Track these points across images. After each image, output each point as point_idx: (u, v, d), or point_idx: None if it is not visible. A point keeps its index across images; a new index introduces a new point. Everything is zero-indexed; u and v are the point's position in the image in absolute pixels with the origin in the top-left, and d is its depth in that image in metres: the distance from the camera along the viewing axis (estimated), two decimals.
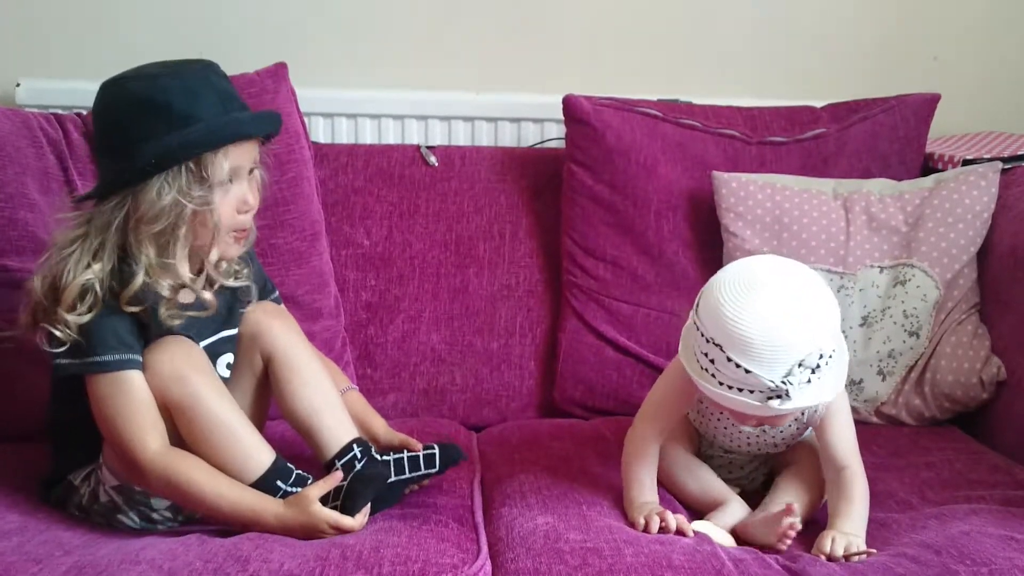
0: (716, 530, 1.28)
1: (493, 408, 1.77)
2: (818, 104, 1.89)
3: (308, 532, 1.21)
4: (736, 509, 1.32)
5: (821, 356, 1.17)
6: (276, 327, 1.33)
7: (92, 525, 1.28)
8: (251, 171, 1.30)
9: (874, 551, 1.21)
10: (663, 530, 1.24)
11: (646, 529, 1.25)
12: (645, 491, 1.31)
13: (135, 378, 1.22)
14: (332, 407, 1.32)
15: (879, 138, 1.85)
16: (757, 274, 1.20)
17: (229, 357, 1.34)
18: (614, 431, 1.59)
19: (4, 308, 1.53)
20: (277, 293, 1.49)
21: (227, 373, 1.34)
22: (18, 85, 1.91)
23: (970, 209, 1.72)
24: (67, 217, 1.28)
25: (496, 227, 1.82)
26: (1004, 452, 1.54)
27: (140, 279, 1.22)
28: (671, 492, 1.38)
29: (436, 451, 1.34)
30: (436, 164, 1.85)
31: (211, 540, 1.18)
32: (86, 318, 1.21)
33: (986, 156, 1.82)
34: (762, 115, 1.85)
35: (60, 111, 1.77)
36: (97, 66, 1.90)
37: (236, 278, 1.34)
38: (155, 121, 1.20)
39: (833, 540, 1.22)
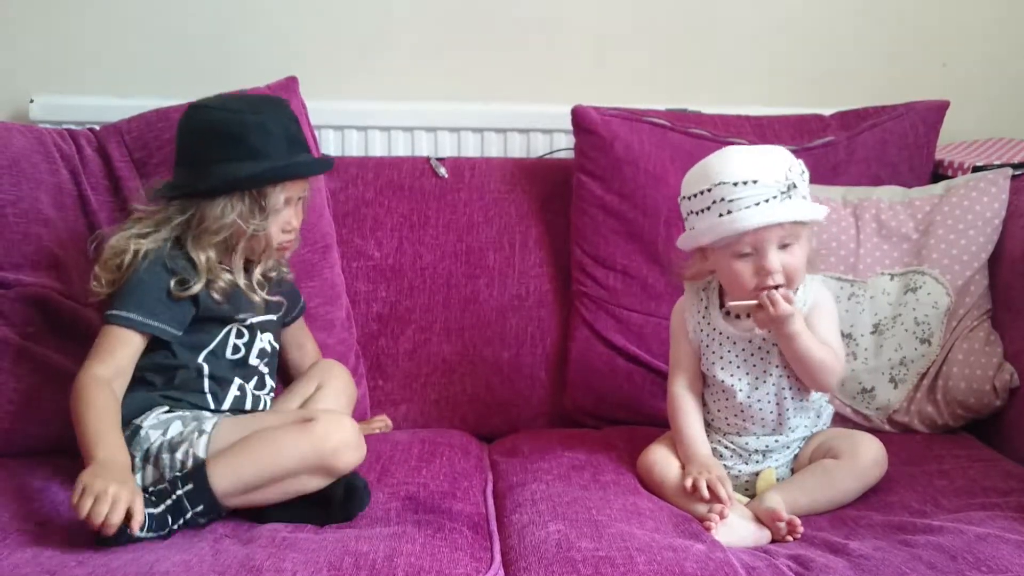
0: (742, 514, 1.35)
1: (504, 418, 1.77)
2: (827, 112, 1.90)
3: (98, 472, 1.21)
4: (735, 521, 1.33)
5: (802, 171, 1.36)
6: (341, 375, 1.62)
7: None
8: (299, 199, 1.48)
9: None
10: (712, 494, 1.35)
11: (695, 487, 1.35)
12: (696, 444, 1.43)
13: (133, 337, 1.38)
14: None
15: (888, 145, 1.84)
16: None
17: (269, 337, 1.51)
18: (626, 440, 1.59)
19: (21, 321, 1.55)
20: (302, 309, 1.64)
21: (268, 347, 1.50)
22: (32, 101, 1.92)
23: (980, 216, 1.72)
24: (137, 208, 1.48)
25: (506, 237, 1.83)
26: (1018, 459, 1.54)
27: (200, 284, 1.41)
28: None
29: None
30: (446, 175, 1.86)
31: (224, 551, 1.19)
32: (115, 275, 1.41)
33: (996, 162, 1.82)
34: (771, 124, 1.86)
35: (73, 127, 1.78)
36: (110, 82, 1.95)
37: (279, 274, 1.54)
38: (230, 149, 1.40)
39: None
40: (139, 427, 1.36)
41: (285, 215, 1.46)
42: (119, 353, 1.37)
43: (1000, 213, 1.72)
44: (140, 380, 1.40)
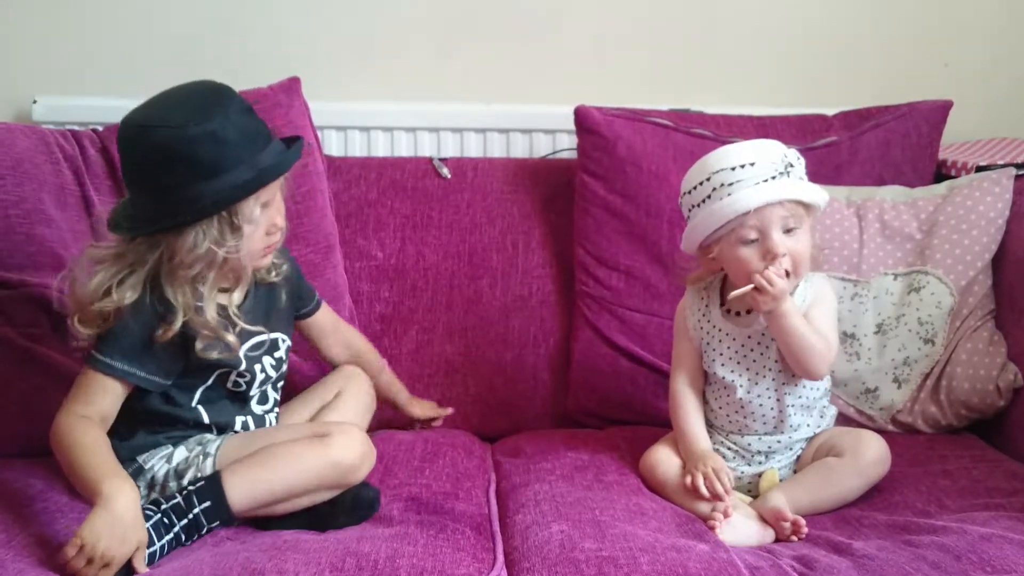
0: (746, 513, 1.35)
1: (507, 419, 1.77)
2: (830, 112, 1.89)
3: (101, 527, 1.15)
4: (738, 520, 1.33)
5: (798, 156, 1.38)
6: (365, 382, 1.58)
7: None
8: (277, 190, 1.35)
9: None
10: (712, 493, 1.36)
11: (694, 485, 1.36)
12: (698, 440, 1.44)
13: (116, 385, 1.30)
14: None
15: (891, 145, 1.84)
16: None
17: (273, 357, 1.42)
18: (628, 440, 1.59)
19: (24, 322, 1.55)
20: (318, 300, 1.57)
21: (273, 372, 1.42)
22: (35, 102, 1.93)
23: (984, 215, 1.71)
24: (99, 243, 1.33)
25: (509, 238, 1.83)
26: (1021, 459, 1.53)
27: (179, 323, 1.29)
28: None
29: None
30: (449, 176, 1.86)
31: (225, 554, 1.18)
32: (101, 326, 1.29)
33: (999, 162, 1.81)
34: (773, 124, 1.85)
35: (76, 127, 1.79)
36: (112, 83, 1.95)
37: (276, 273, 1.43)
38: (183, 172, 1.23)
39: None
40: (142, 466, 1.34)
41: (265, 219, 1.31)
42: (101, 400, 1.29)
43: (1004, 213, 1.72)
44: (139, 421, 1.34)
